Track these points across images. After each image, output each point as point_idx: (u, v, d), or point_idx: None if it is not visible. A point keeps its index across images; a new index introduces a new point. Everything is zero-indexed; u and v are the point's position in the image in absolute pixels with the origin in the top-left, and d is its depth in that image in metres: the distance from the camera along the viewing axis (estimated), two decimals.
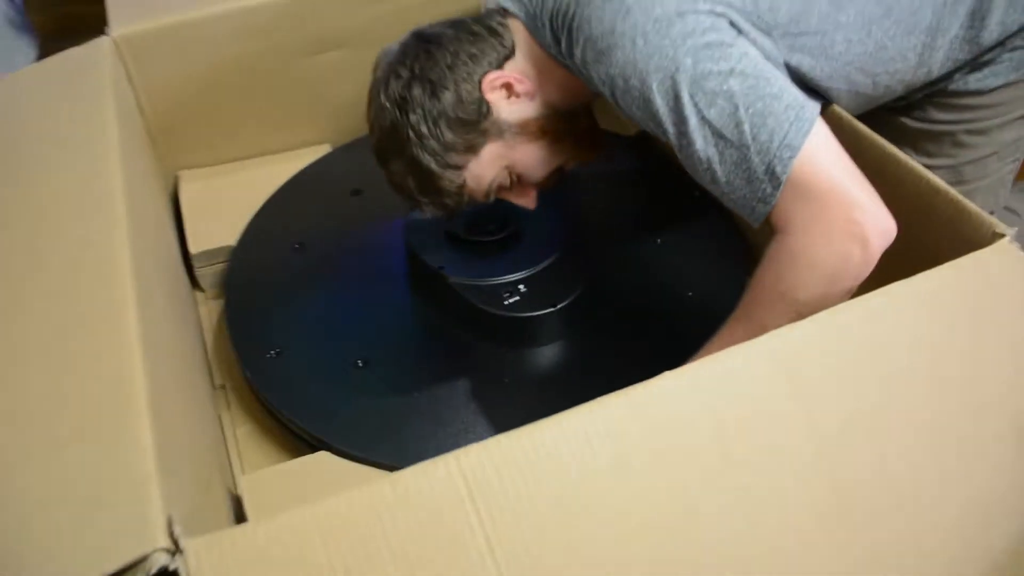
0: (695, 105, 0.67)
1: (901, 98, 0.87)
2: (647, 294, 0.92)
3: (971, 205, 0.71)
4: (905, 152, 0.91)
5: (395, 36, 1.10)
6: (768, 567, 0.56)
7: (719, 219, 1.01)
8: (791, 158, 0.65)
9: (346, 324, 0.89)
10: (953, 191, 0.72)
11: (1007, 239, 0.67)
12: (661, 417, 0.55)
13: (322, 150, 1.15)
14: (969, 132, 0.88)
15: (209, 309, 1.02)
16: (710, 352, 0.71)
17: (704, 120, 0.67)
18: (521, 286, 0.86)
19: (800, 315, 0.64)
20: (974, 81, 0.84)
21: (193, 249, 0.99)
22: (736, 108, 0.66)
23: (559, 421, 0.54)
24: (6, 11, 1.45)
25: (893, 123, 0.92)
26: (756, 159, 0.66)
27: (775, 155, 0.65)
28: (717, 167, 0.69)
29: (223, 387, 0.92)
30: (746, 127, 0.66)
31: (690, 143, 0.69)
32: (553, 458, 0.53)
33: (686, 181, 1.07)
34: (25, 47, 1.46)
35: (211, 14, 1.01)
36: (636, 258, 0.96)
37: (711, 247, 0.98)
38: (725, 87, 0.66)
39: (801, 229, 0.67)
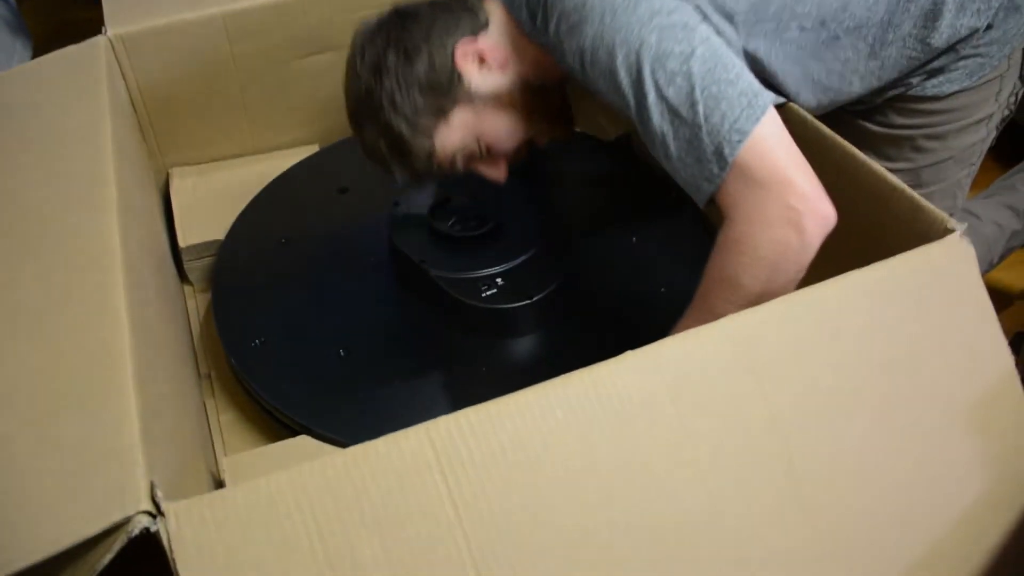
0: (655, 82, 0.70)
1: (860, 102, 0.90)
2: (621, 289, 0.95)
3: (925, 202, 0.74)
4: (867, 155, 0.96)
5: None
6: (725, 539, 0.59)
7: (693, 220, 1.04)
8: (739, 142, 0.68)
9: (329, 315, 0.92)
10: (909, 189, 0.75)
11: (957, 233, 0.70)
12: (623, 392, 0.58)
13: (310, 150, 1.18)
14: (927, 136, 0.92)
15: (197, 303, 1.05)
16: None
17: (662, 97, 0.70)
18: (499, 279, 0.89)
19: (749, 303, 0.67)
20: (931, 87, 0.88)
21: (183, 243, 1.02)
22: (692, 89, 0.69)
23: (525, 395, 0.57)
24: (2, 12, 1.48)
25: (855, 127, 0.95)
26: (707, 139, 0.69)
27: (724, 137, 0.68)
28: (671, 143, 0.72)
29: (208, 376, 0.95)
30: (700, 108, 0.69)
31: (648, 117, 0.72)
32: (519, 429, 0.56)
33: (663, 183, 1.11)
34: (20, 48, 1.49)
35: (204, 15, 1.04)
36: (611, 255, 0.99)
37: (684, 245, 1.01)
38: (684, 68, 0.69)
39: (743, 215, 0.71)
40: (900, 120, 0.92)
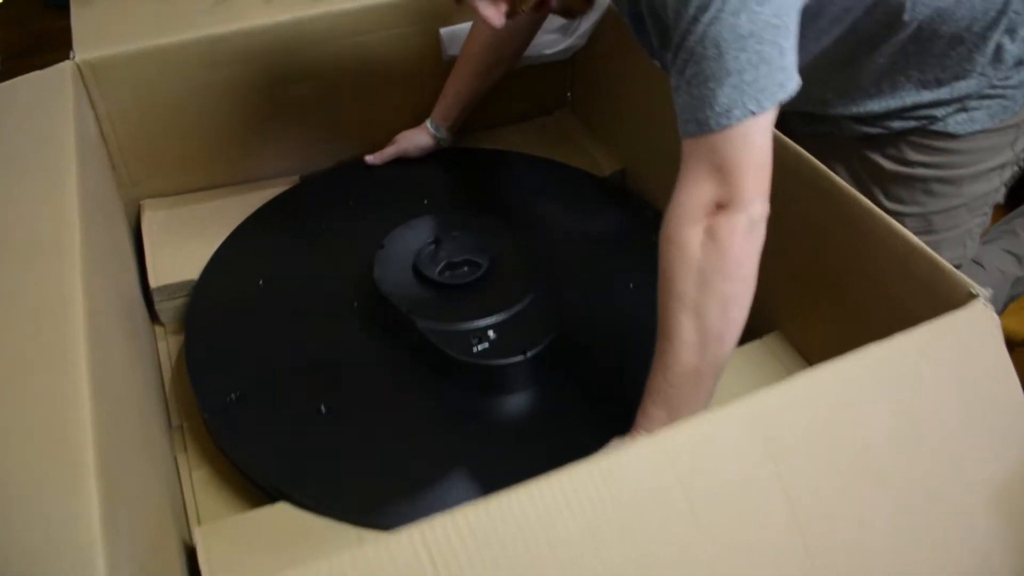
0: (722, 6, 0.63)
1: (877, 121, 0.86)
2: (620, 340, 0.91)
3: (946, 264, 0.70)
4: (876, 196, 0.92)
5: (367, 68, 1.09)
6: None
7: None
8: (752, 114, 0.63)
9: (309, 367, 0.87)
10: (929, 250, 0.71)
11: (981, 300, 0.66)
12: (633, 486, 0.54)
13: (291, 182, 1.13)
14: (941, 180, 0.89)
15: (169, 344, 0.99)
16: (655, 383, 0.71)
17: (718, 20, 0.63)
18: (491, 332, 0.84)
19: (699, 316, 0.65)
20: (953, 124, 0.85)
21: (154, 283, 0.96)
22: (749, 35, 0.62)
23: (528, 490, 0.52)
24: None
25: (866, 162, 0.92)
26: (727, 88, 0.63)
27: (744, 98, 0.62)
28: (692, 65, 0.64)
29: (181, 427, 0.89)
30: (743, 57, 0.62)
31: (691, 32, 0.64)
32: (522, 529, 0.51)
33: (659, 224, 1.07)
34: None
35: (179, 41, 0.98)
36: (609, 302, 0.95)
37: None
38: (757, 8, 0.62)
39: (683, 186, 0.66)
40: (915, 157, 0.88)
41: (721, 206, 0.65)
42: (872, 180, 0.92)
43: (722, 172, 0.64)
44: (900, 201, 0.91)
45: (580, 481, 0.53)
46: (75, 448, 0.55)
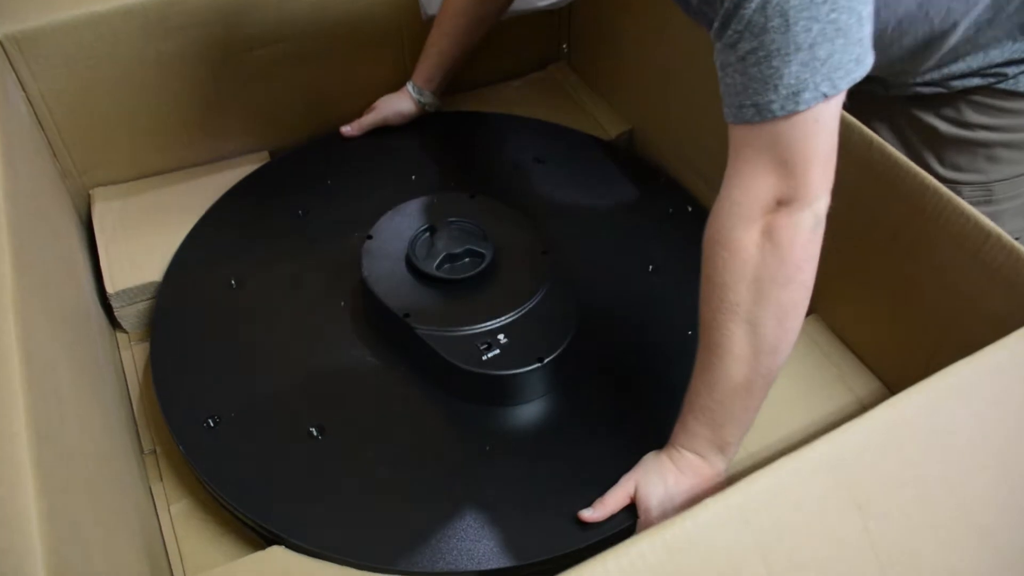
0: None
1: (935, 83, 0.77)
2: (643, 335, 0.81)
3: None
4: (927, 162, 0.82)
5: (338, 28, 0.97)
6: None
7: None
8: (824, 96, 0.52)
9: (295, 383, 0.76)
10: (1005, 235, 0.62)
11: None
12: (704, 558, 0.45)
13: (260, 159, 1.00)
14: (1006, 145, 0.79)
15: (135, 354, 0.88)
16: (699, 400, 0.62)
17: None
18: (501, 336, 0.74)
19: (753, 328, 0.57)
20: None
21: (110, 288, 0.85)
22: (823, 1, 0.50)
23: (579, 574, 0.43)
24: None
25: (918, 123, 0.82)
26: (795, 67, 0.51)
27: (814, 79, 0.51)
28: (748, 38, 0.53)
29: (154, 452, 0.79)
30: (815, 29, 0.51)
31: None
32: None
33: (674, 189, 0.97)
34: None
35: (120, 6, 0.85)
36: (628, 290, 0.85)
37: None
38: None
39: (737, 181, 0.56)
40: (977, 119, 0.78)
41: (783, 203, 0.55)
42: (924, 144, 0.81)
43: (786, 165, 0.54)
44: (957, 168, 0.81)
45: (642, 561, 0.44)
46: (15, 516, 0.45)
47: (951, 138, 0.80)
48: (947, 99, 0.79)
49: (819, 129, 0.53)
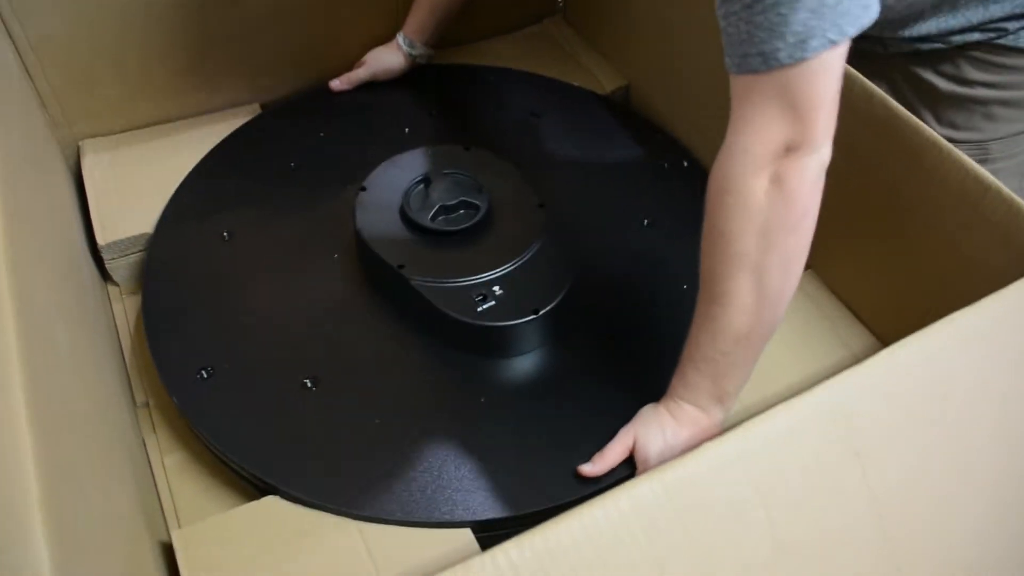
0: None
1: (934, 39, 0.76)
2: (639, 288, 0.81)
3: None
4: (924, 119, 0.81)
5: None
6: None
7: None
8: (832, 43, 0.51)
9: (288, 334, 0.76)
10: (1006, 189, 0.62)
11: None
12: (703, 502, 0.45)
13: (251, 111, 0.99)
14: (1004, 103, 0.78)
15: (126, 306, 0.87)
16: (700, 350, 0.62)
17: None
18: (496, 287, 0.74)
19: (759, 277, 0.56)
20: None
21: (101, 240, 0.84)
22: None
23: (580, 519, 0.43)
24: None
25: (917, 80, 0.81)
26: (803, 14, 0.51)
27: (824, 25, 0.51)
28: None
29: (147, 404, 0.79)
30: None
31: None
32: (577, 568, 0.42)
33: (672, 148, 0.97)
34: None
35: None
36: (624, 244, 0.85)
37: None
38: None
39: (745, 129, 0.56)
40: (975, 75, 0.77)
41: (791, 149, 0.54)
42: (921, 101, 0.81)
43: (795, 111, 0.53)
44: (954, 126, 0.80)
45: (642, 501, 0.44)
46: (11, 457, 0.44)
47: (949, 95, 0.79)
48: (946, 55, 0.78)
49: (826, 75, 0.52)
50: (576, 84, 1.03)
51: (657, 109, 1.00)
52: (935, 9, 0.75)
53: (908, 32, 0.78)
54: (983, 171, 0.63)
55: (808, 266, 0.83)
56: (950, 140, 0.80)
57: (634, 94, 1.04)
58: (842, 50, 0.52)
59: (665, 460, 0.63)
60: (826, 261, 0.82)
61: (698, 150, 0.94)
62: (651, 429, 0.65)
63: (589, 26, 1.11)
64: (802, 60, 0.51)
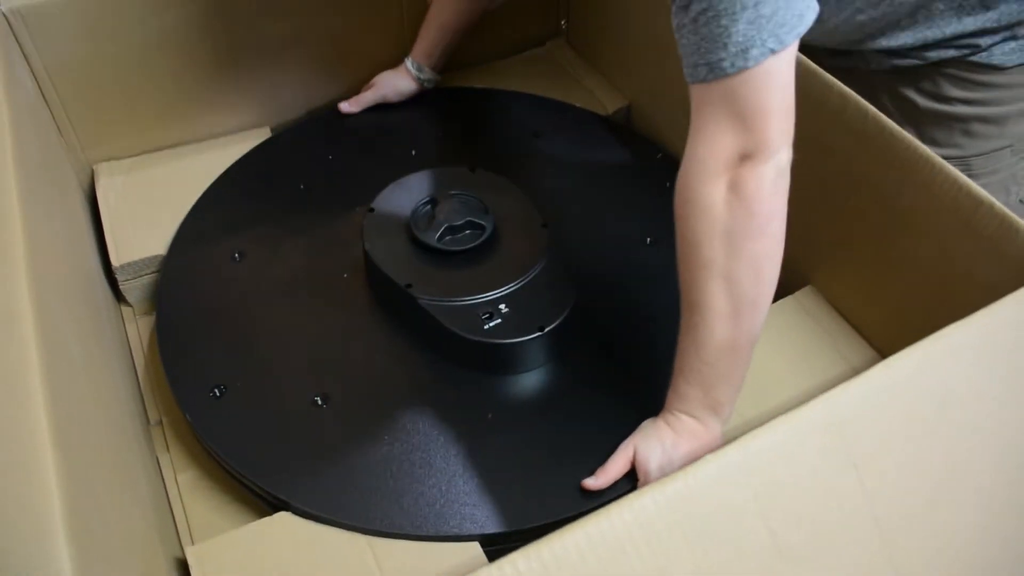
0: None
1: (909, 53, 0.78)
2: (642, 305, 0.82)
3: (1018, 220, 0.63)
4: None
5: (341, 5, 0.97)
6: None
7: None
8: (772, 52, 0.53)
9: (298, 353, 0.78)
10: (998, 204, 0.63)
11: None
12: (704, 513, 0.46)
13: (262, 134, 1.01)
14: (982, 120, 0.80)
15: (139, 327, 0.89)
16: (687, 362, 0.64)
17: None
18: (502, 306, 0.76)
19: (730, 283, 0.58)
20: (999, 54, 0.76)
21: (115, 262, 0.86)
22: None
23: (585, 530, 0.44)
24: None
25: (900, 98, 0.83)
26: (741, 26, 0.53)
27: (761, 36, 0.53)
28: (699, 1, 0.55)
29: (160, 423, 0.80)
30: None
31: None
32: (580, 575, 0.44)
33: (673, 167, 0.98)
34: None
35: None
36: (626, 263, 0.86)
37: None
38: None
39: (699, 138, 0.58)
40: (954, 92, 0.79)
41: (745, 157, 0.56)
42: (903, 119, 0.82)
43: (744, 119, 0.55)
44: (935, 143, 0.82)
45: (644, 513, 0.45)
46: (34, 471, 0.46)
47: (929, 112, 0.81)
48: (925, 72, 0.80)
49: (771, 83, 0.54)
50: (578, 105, 1.05)
51: (658, 129, 1.02)
52: (911, 18, 0.77)
53: (886, 42, 0.79)
54: (975, 186, 0.65)
55: (807, 281, 0.85)
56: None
57: (635, 114, 1.06)
58: (787, 57, 0.55)
59: (665, 472, 0.65)
60: (825, 276, 0.83)
61: None
62: (651, 442, 0.66)
63: (590, 48, 1.13)
64: (744, 69, 0.53)
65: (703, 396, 0.64)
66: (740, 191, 0.56)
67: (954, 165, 0.82)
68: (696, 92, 0.57)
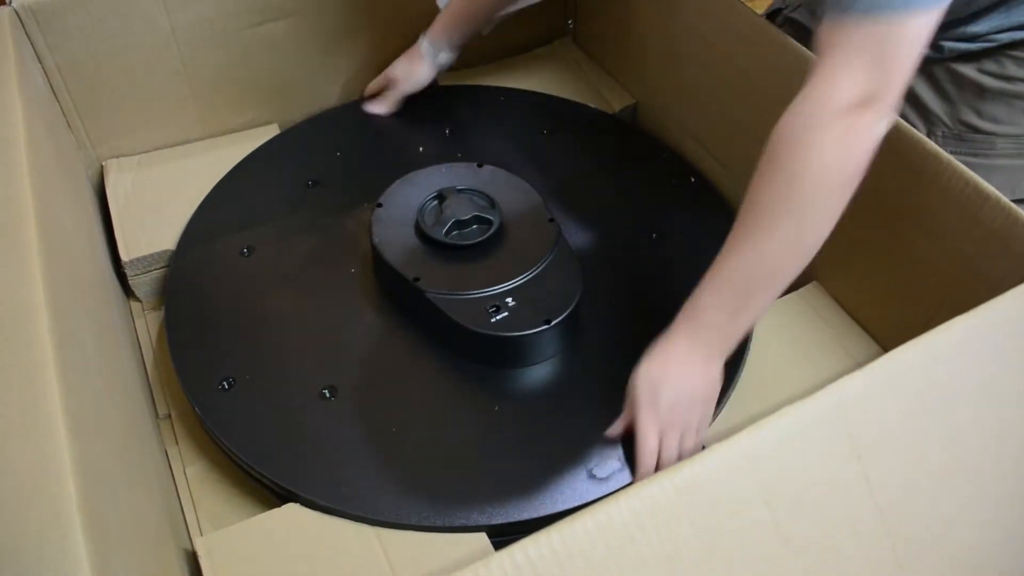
0: None
1: (978, 39, 0.79)
2: (647, 298, 0.83)
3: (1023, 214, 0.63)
4: (964, 114, 0.83)
5: (349, 2, 0.98)
6: None
7: (717, 206, 0.92)
8: (937, 5, 0.54)
9: (306, 346, 0.78)
10: (1004, 199, 0.64)
11: None
12: (711, 501, 0.47)
13: (270, 131, 1.02)
14: None
15: (148, 321, 0.89)
16: (720, 279, 0.64)
17: None
18: (509, 299, 0.76)
19: (798, 222, 0.59)
20: None
21: (124, 256, 0.86)
22: None
23: (595, 518, 0.45)
24: None
25: (957, 76, 0.84)
26: None
27: None
28: None
29: (169, 416, 0.81)
30: None
31: None
32: (592, 563, 0.44)
33: (676, 162, 0.99)
34: None
35: None
36: (633, 258, 0.87)
37: (711, 239, 0.88)
38: None
39: (828, 77, 0.58)
40: (1019, 72, 0.80)
41: (865, 106, 0.56)
42: (962, 97, 0.83)
43: (883, 68, 0.56)
44: (996, 120, 0.82)
45: (652, 501, 0.46)
46: (50, 461, 0.47)
47: (991, 90, 0.81)
48: (988, 53, 0.80)
49: (921, 37, 0.55)
50: (585, 103, 1.05)
51: (663, 127, 1.02)
52: (989, 10, 0.77)
53: (962, 30, 0.80)
54: (982, 181, 0.65)
55: (812, 278, 0.85)
56: (991, 133, 0.83)
57: (641, 113, 1.06)
58: (935, 19, 0.55)
59: (656, 387, 0.65)
60: (830, 272, 0.84)
61: (704, 167, 0.96)
62: (651, 364, 0.67)
63: (597, 47, 1.13)
64: (909, 13, 0.54)
65: (725, 320, 0.64)
66: (850, 139, 0.57)
67: (1010, 143, 0.83)
68: (841, 30, 0.57)
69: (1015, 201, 0.86)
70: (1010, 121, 0.82)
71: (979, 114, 0.82)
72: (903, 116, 0.88)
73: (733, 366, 0.77)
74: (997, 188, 0.77)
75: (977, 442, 0.54)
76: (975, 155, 0.84)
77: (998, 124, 0.82)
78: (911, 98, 0.87)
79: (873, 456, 0.50)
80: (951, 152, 0.85)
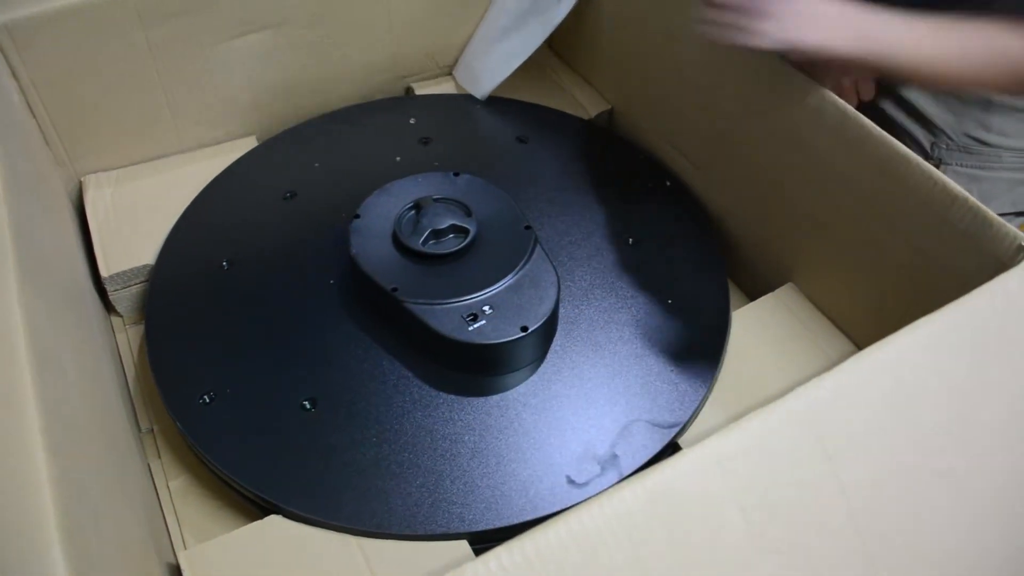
0: None
1: None
2: (624, 303, 0.84)
3: (991, 214, 0.64)
4: (969, 130, 0.84)
5: (328, 13, 0.98)
6: None
7: (694, 211, 0.93)
8: None
9: (286, 357, 0.79)
10: (972, 199, 0.65)
11: None
12: (681, 506, 0.48)
13: (248, 144, 1.02)
14: None
15: (129, 336, 0.90)
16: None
17: None
18: (486, 307, 0.77)
19: (979, 77, 0.67)
20: None
21: (104, 272, 0.86)
22: None
23: (567, 522, 0.46)
24: None
25: (970, 92, 0.85)
26: None
27: None
28: None
29: (152, 431, 0.81)
30: None
31: None
32: (563, 567, 0.45)
33: (652, 167, 1.00)
34: None
35: None
36: (610, 264, 0.87)
37: (688, 244, 0.90)
38: None
39: None
40: None
41: None
42: (967, 110, 0.84)
43: None
44: (1004, 134, 0.84)
45: (624, 505, 0.46)
46: (28, 479, 0.47)
47: (1000, 104, 0.83)
48: None
49: None
50: (561, 109, 1.06)
51: (639, 132, 1.03)
52: None
53: None
54: (950, 182, 0.66)
55: (788, 279, 0.86)
56: (998, 146, 0.84)
57: (617, 118, 1.07)
58: None
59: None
60: (806, 273, 0.85)
61: (680, 171, 0.97)
62: None
63: (573, 54, 1.14)
64: None
65: (900, 23, 0.68)
66: None
67: (1016, 156, 0.86)
68: None
69: (1018, 214, 0.88)
70: (1018, 135, 0.83)
71: (986, 128, 0.84)
72: (905, 130, 0.90)
73: (710, 366, 0.78)
74: (1001, 200, 0.79)
75: (945, 440, 0.54)
76: (982, 167, 0.85)
77: (1006, 137, 0.83)
78: (915, 112, 0.88)
79: (843, 457, 0.51)
80: (956, 164, 0.87)
